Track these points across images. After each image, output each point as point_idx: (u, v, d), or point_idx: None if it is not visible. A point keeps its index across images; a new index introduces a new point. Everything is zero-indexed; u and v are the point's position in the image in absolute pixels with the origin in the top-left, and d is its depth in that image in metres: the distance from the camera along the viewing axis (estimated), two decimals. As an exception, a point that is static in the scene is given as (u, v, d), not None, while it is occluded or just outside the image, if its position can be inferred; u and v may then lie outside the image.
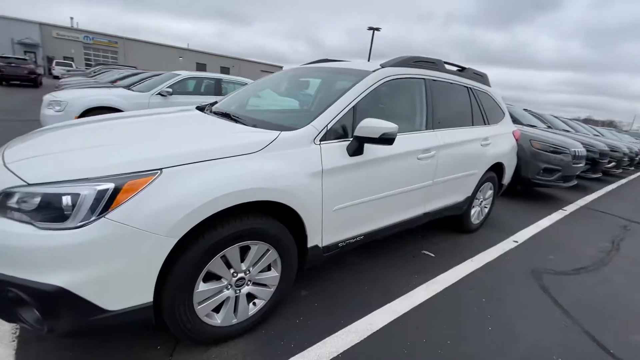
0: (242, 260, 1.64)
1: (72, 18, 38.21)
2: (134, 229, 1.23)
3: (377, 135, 1.82)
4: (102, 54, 34.54)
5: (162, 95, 5.65)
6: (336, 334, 1.82)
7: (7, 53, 25.25)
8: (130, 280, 1.28)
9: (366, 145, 1.95)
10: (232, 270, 1.61)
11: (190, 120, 2.12)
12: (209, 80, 6.55)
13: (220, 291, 1.60)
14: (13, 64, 14.96)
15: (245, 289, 1.70)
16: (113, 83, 8.00)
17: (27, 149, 1.54)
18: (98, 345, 1.59)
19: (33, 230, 1.17)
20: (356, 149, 1.90)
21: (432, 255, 2.89)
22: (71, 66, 24.24)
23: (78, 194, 1.19)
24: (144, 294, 1.33)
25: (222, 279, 1.59)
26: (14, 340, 1.58)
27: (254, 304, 1.78)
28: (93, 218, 1.19)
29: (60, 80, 11.18)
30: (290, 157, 1.68)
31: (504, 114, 3.56)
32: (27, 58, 17.80)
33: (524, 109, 10.41)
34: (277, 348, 1.68)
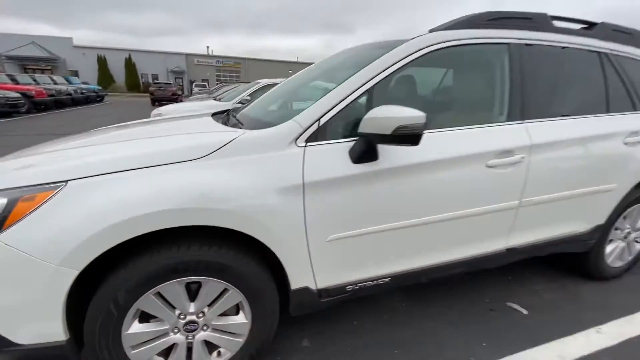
0: (194, 299, 1.24)
1: (208, 47, 46.41)
2: (25, 255, 0.99)
3: (389, 131, 1.16)
4: (229, 73, 40.58)
5: (242, 103, 5.88)
6: None
7: (164, 79, 32.37)
8: (32, 314, 1.05)
9: (385, 147, 1.30)
10: (177, 311, 1.23)
11: (177, 124, 1.85)
12: (288, 85, 6.56)
13: (165, 334, 1.24)
14: (162, 88, 18.85)
15: (201, 335, 1.29)
16: (215, 97, 8.96)
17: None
18: None
19: None
20: (364, 153, 1.27)
21: (524, 311, 1.91)
22: (205, 86, 29.19)
23: None
24: (53, 331, 1.08)
25: (164, 321, 1.23)
26: None
27: (219, 354, 1.36)
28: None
29: (188, 98, 13.60)
30: (250, 166, 1.19)
31: (678, 92, 2.17)
32: (170, 82, 22.30)
33: None
34: None
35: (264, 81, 6.31)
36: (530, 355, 1.59)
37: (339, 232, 1.32)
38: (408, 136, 1.16)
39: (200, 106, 5.80)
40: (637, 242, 2.26)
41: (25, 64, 29.62)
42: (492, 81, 1.65)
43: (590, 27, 1.96)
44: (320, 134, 1.29)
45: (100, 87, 21.49)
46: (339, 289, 1.43)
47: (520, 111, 1.61)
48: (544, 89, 1.71)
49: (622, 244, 2.19)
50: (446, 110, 1.63)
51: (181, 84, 35.50)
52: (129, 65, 34.69)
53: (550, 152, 1.63)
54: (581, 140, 1.72)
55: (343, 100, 1.33)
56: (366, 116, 1.22)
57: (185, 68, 38.18)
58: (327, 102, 1.33)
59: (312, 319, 1.77)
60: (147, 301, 1.16)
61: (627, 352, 1.63)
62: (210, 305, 1.27)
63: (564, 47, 1.78)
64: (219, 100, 6.46)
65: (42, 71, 26.59)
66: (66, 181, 1.05)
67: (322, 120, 1.30)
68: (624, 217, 2.09)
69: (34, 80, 14.15)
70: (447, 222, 1.50)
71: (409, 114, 1.14)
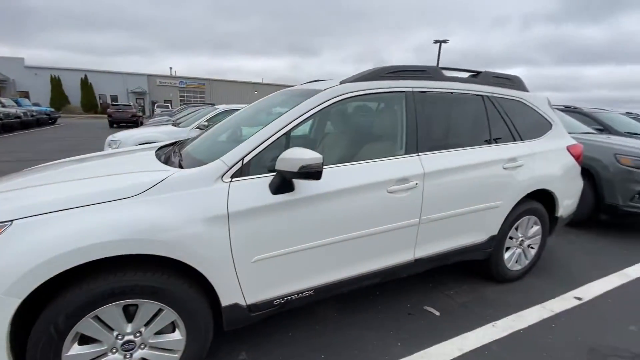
0: (131, 320, 1.40)
1: (171, 68, 45.87)
2: None
3: (296, 169, 1.44)
4: (193, 94, 40.23)
5: (200, 128, 6.03)
6: None
7: (124, 100, 31.41)
8: None
9: (300, 180, 1.58)
10: (115, 332, 1.38)
11: (118, 160, 2.01)
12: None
13: (104, 355, 1.38)
14: (120, 110, 18.33)
15: (139, 353, 1.45)
16: (174, 120, 8.97)
17: None
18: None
19: None
20: (280, 186, 1.54)
21: (437, 313, 2.23)
22: (168, 107, 28.64)
23: None
24: None
25: (102, 342, 1.37)
26: None
27: (158, 371, 1.51)
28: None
29: (149, 119, 13.38)
30: (180, 201, 1.41)
31: (550, 124, 2.71)
32: (130, 104, 21.73)
33: (627, 113, 8.32)
34: None
35: (222, 107, 6.53)
36: (436, 350, 1.89)
37: (262, 254, 1.56)
38: (310, 173, 1.44)
39: (156, 132, 5.87)
40: (531, 248, 2.71)
41: (-32, 85, 27.46)
42: (393, 122, 2.02)
43: (476, 75, 2.43)
44: (244, 171, 1.55)
45: (53, 109, 20.40)
46: (267, 304, 1.65)
47: (415, 146, 1.98)
48: (436, 127, 2.11)
49: (519, 250, 2.63)
50: (356, 147, 1.96)
51: (142, 105, 34.57)
52: (85, 85, 33.29)
53: (441, 178, 2.00)
54: (467, 168, 2.12)
55: (264, 142, 1.61)
56: (279, 157, 1.50)
57: (147, 89, 37.33)
58: (250, 143, 1.59)
59: (251, 333, 1.96)
60: (86, 324, 1.31)
61: (512, 342, 1.98)
62: (146, 324, 1.43)
63: (452, 93, 2.21)
64: (178, 125, 6.55)
65: (-13, 93, 24.77)
66: (12, 220, 1.20)
67: (246, 159, 1.56)
68: (516, 228, 2.52)
69: (-23, 103, 13.26)
70: (358, 239, 1.79)
71: (309, 156, 1.43)
